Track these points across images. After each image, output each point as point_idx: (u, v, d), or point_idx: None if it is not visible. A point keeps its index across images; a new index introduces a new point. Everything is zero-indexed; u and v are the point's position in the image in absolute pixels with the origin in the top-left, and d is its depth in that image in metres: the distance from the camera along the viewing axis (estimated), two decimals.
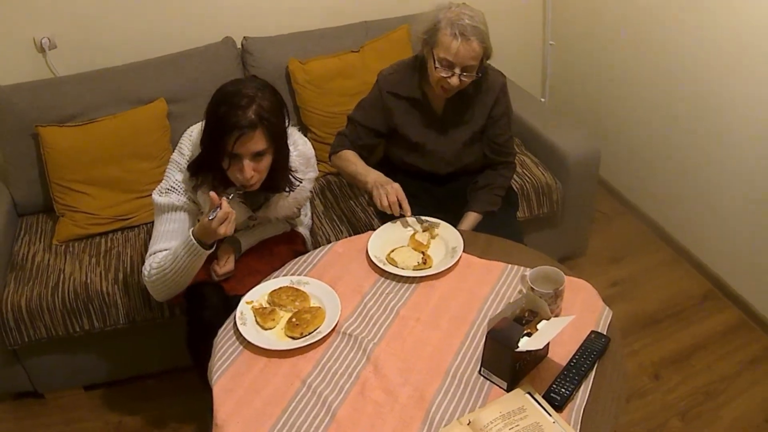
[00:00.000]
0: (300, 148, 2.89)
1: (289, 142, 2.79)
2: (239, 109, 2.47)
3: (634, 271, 4.14)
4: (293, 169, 2.85)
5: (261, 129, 2.51)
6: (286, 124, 2.71)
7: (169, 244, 2.75)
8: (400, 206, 2.91)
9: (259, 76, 2.81)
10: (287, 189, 2.85)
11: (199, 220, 2.63)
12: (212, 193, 2.51)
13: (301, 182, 2.88)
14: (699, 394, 3.37)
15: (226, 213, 2.50)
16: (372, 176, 3.05)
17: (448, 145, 3.23)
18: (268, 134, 2.55)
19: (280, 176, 2.77)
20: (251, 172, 2.57)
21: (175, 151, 2.81)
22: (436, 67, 2.92)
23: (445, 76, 2.92)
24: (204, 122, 2.60)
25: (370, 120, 3.21)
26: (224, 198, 2.52)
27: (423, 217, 2.98)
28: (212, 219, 2.48)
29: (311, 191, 3.06)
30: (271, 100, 2.57)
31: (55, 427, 3.48)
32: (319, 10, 4.25)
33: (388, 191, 2.91)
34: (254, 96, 2.51)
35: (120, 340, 3.43)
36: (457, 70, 2.91)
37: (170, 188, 2.75)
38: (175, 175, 2.76)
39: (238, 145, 2.50)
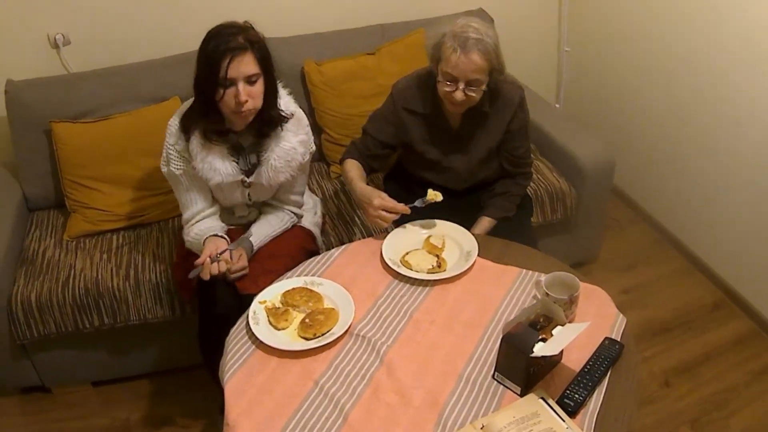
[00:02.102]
0: (291, 108, 2.94)
1: (280, 102, 2.86)
2: (229, 36, 2.61)
3: (645, 278, 4.13)
4: (284, 111, 2.89)
5: (252, 52, 2.62)
6: (279, 80, 2.83)
7: (193, 210, 2.97)
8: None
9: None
10: (281, 127, 2.88)
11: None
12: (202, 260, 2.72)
13: (291, 117, 2.90)
14: (709, 402, 3.36)
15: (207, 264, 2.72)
16: (356, 193, 3.04)
17: (465, 162, 3.20)
18: (259, 57, 2.65)
19: (270, 105, 2.80)
20: (246, 96, 2.63)
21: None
22: (439, 81, 2.91)
23: (449, 90, 2.88)
24: (195, 65, 2.69)
25: (382, 133, 3.18)
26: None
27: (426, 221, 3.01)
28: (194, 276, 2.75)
29: (308, 160, 3.07)
30: (257, 33, 2.71)
31: (62, 422, 3.48)
32: (335, 11, 4.25)
33: (380, 216, 2.87)
34: (241, 27, 2.67)
35: (130, 336, 3.43)
36: (461, 84, 2.85)
37: (167, 156, 2.87)
38: (168, 139, 2.86)
39: (231, 68, 2.58)
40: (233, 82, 2.60)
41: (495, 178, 3.32)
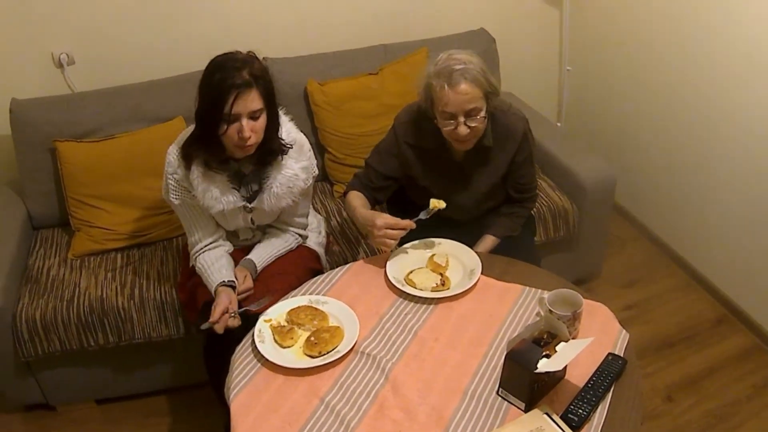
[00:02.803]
0: (293, 134, 2.94)
1: (282, 130, 2.86)
2: (234, 71, 2.57)
3: (647, 294, 4.14)
4: (285, 141, 2.88)
5: (257, 88, 2.60)
6: (280, 107, 2.82)
7: (196, 237, 3.01)
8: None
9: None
10: (280, 156, 2.87)
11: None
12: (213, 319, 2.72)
13: (291, 147, 2.89)
14: (711, 417, 3.36)
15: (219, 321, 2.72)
16: (359, 221, 3.02)
17: (469, 197, 3.17)
18: (264, 93, 2.64)
19: (272, 139, 2.80)
20: (249, 131, 2.62)
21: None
22: (439, 122, 2.87)
23: (451, 128, 2.83)
24: (198, 95, 2.67)
25: (384, 166, 3.13)
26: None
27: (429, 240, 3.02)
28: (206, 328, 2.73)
29: (310, 185, 3.06)
30: (261, 65, 2.67)
31: None
32: (337, 31, 4.28)
33: (386, 235, 2.83)
34: (246, 60, 2.62)
35: (134, 355, 3.44)
36: (461, 118, 2.78)
37: (166, 185, 2.88)
38: (167, 168, 2.86)
39: (236, 104, 2.56)
40: (237, 118, 2.59)
41: (500, 204, 3.30)
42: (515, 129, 3.04)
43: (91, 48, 3.88)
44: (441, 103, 2.78)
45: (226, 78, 2.55)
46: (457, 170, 3.12)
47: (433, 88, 2.80)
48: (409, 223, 2.83)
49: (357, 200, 3.08)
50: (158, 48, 3.99)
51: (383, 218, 2.83)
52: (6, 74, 3.80)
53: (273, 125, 2.77)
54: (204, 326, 2.72)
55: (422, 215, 2.90)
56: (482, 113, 2.81)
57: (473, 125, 2.80)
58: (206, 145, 2.73)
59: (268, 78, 2.68)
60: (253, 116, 2.63)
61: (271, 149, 2.82)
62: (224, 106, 2.55)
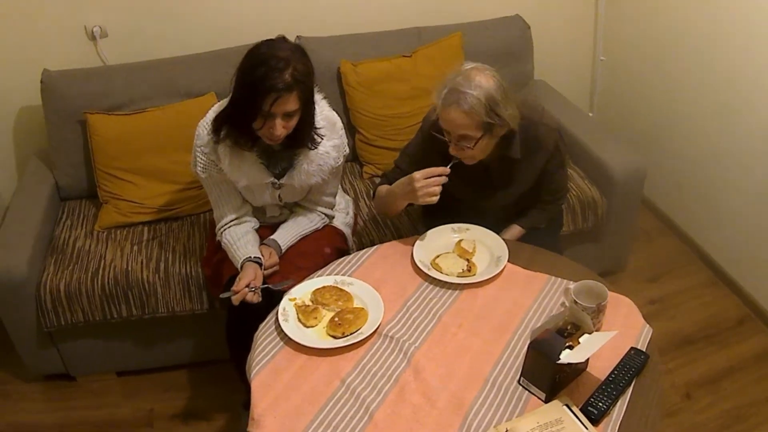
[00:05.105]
0: (326, 112, 2.94)
1: (316, 108, 2.85)
2: (277, 71, 2.54)
3: (671, 290, 4.12)
4: (318, 127, 2.88)
5: (296, 91, 2.59)
6: (315, 86, 2.79)
7: (222, 211, 3.02)
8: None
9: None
10: (310, 145, 2.87)
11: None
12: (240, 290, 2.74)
13: (323, 137, 2.89)
14: (729, 417, 3.34)
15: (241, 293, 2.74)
16: (395, 191, 2.94)
17: (499, 201, 3.13)
18: (302, 96, 2.63)
19: (305, 133, 2.81)
20: (281, 130, 2.64)
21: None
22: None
23: (450, 143, 2.77)
24: (235, 80, 2.66)
25: (414, 165, 2.96)
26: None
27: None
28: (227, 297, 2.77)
29: (341, 164, 3.06)
30: (305, 63, 2.64)
31: (85, 410, 3.51)
32: (372, 13, 4.26)
33: (428, 191, 2.76)
34: (290, 59, 2.57)
35: (157, 328, 3.46)
36: (453, 139, 2.73)
37: (194, 157, 2.90)
38: (197, 140, 2.87)
39: (274, 106, 2.56)
40: (272, 116, 2.60)
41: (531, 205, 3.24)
42: (546, 142, 2.95)
43: (124, 21, 3.88)
44: (439, 115, 2.74)
45: (268, 77, 2.53)
46: (484, 178, 3.06)
47: (439, 106, 2.71)
48: (444, 169, 2.78)
49: (386, 188, 3.04)
50: (191, 23, 3.99)
51: (418, 172, 2.78)
52: (39, 46, 3.81)
53: (307, 121, 2.78)
54: (223, 295, 2.75)
55: (454, 160, 2.82)
56: (477, 142, 2.71)
57: (466, 148, 2.73)
58: (237, 128, 2.74)
59: (309, 81, 2.67)
60: (288, 115, 2.63)
61: (302, 139, 2.83)
62: (263, 105, 2.56)
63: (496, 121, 2.66)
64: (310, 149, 2.88)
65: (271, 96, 2.53)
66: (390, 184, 3.05)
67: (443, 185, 2.82)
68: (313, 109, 2.81)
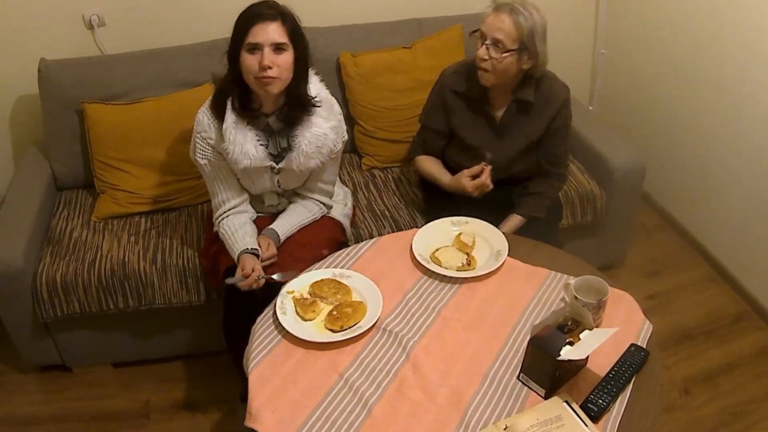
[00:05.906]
0: (323, 94, 2.95)
1: (310, 87, 2.88)
2: (262, 6, 2.67)
3: (670, 285, 4.11)
4: (313, 96, 2.89)
5: (281, 21, 2.66)
6: (306, 44, 2.81)
7: (219, 199, 3.01)
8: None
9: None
10: (308, 110, 2.88)
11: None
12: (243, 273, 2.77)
13: (320, 105, 2.89)
14: (727, 413, 3.34)
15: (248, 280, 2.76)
16: (446, 179, 3.26)
17: (503, 152, 3.21)
18: (289, 29, 2.68)
19: (299, 83, 2.82)
20: (269, 61, 2.64)
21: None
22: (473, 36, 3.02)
23: (479, 47, 2.97)
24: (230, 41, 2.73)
25: (434, 122, 3.28)
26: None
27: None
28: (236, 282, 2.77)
29: (339, 149, 3.07)
30: (291, 12, 2.74)
31: (81, 401, 3.49)
32: (372, 3, 4.25)
33: (480, 189, 3.09)
34: (278, 6, 2.70)
35: (153, 319, 3.44)
36: (488, 41, 2.93)
37: (194, 144, 2.91)
38: (196, 126, 2.89)
39: (258, 33, 2.62)
40: (259, 47, 2.62)
41: (529, 175, 3.34)
42: (558, 94, 3.19)
43: (122, 10, 3.87)
44: (481, 23, 2.97)
45: (252, 10, 2.64)
46: (496, 124, 3.23)
47: (486, 12, 2.97)
48: (482, 167, 3.08)
49: (433, 166, 3.38)
50: (190, 12, 3.98)
51: (466, 179, 3.10)
52: (36, 34, 3.79)
53: (300, 68, 2.79)
54: (230, 280, 2.74)
55: (489, 156, 3.07)
56: (505, 53, 2.93)
57: (493, 55, 2.94)
58: (237, 86, 2.77)
59: (295, 20, 2.73)
60: (277, 49, 2.65)
61: (298, 97, 2.82)
62: (246, 35, 2.61)
63: (531, 47, 2.95)
64: (309, 115, 2.87)
65: (255, 23, 2.60)
66: (422, 148, 3.42)
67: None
68: (306, 57, 2.82)
